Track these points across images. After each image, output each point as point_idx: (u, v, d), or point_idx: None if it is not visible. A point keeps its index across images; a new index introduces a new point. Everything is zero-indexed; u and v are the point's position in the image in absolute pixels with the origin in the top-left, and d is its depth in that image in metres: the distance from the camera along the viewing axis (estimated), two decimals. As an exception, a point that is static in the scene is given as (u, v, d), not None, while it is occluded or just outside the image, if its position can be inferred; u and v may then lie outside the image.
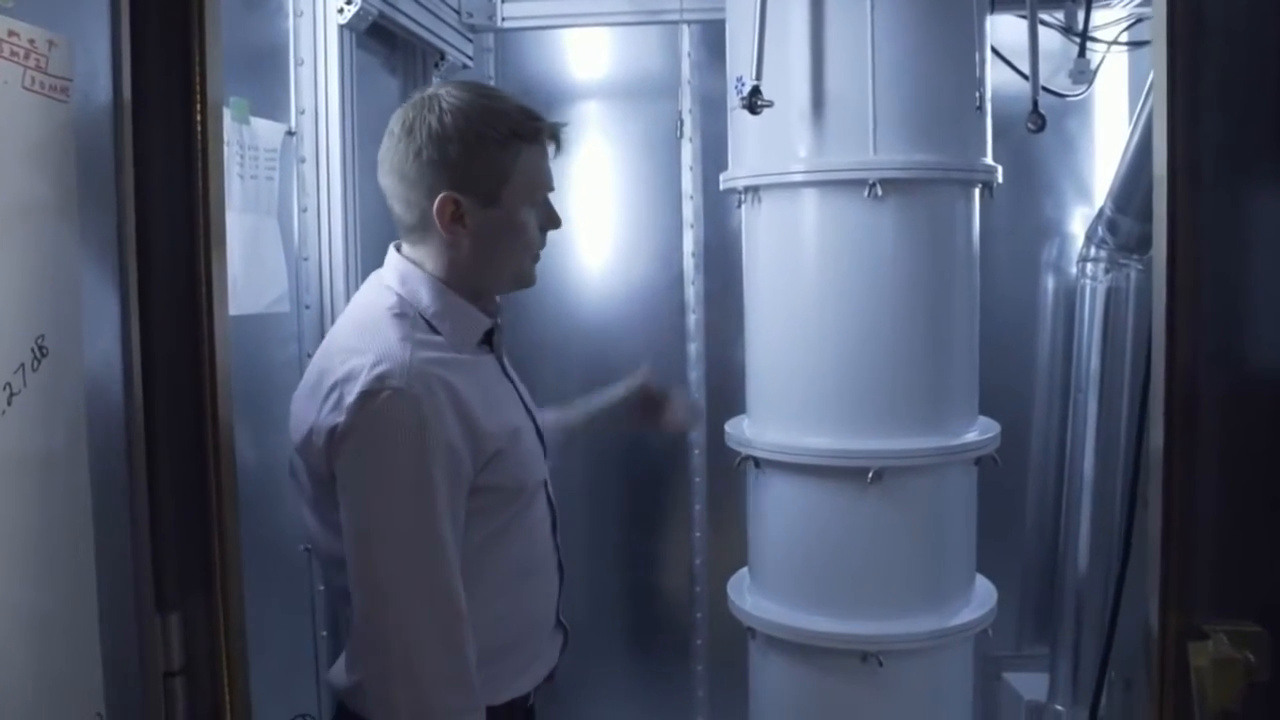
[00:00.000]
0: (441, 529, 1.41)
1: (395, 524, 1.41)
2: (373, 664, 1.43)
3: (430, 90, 1.54)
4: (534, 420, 1.64)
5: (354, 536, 1.42)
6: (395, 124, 1.53)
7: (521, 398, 1.65)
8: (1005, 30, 2.54)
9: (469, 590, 1.47)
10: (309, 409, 1.46)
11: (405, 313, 1.50)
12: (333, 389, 1.42)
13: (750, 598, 2.37)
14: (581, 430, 1.96)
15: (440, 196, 1.48)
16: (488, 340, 1.60)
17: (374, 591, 1.41)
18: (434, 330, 1.51)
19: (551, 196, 1.58)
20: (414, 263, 1.55)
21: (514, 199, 1.51)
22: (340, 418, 1.40)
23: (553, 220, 1.59)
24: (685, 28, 2.96)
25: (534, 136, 1.52)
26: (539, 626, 1.64)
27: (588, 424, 1.97)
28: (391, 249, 1.59)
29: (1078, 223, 2.98)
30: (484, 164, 1.49)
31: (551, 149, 1.56)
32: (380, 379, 1.40)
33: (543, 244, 1.60)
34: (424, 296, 1.52)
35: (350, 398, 1.39)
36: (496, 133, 1.48)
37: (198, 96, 1.15)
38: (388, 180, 1.54)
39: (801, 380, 2.24)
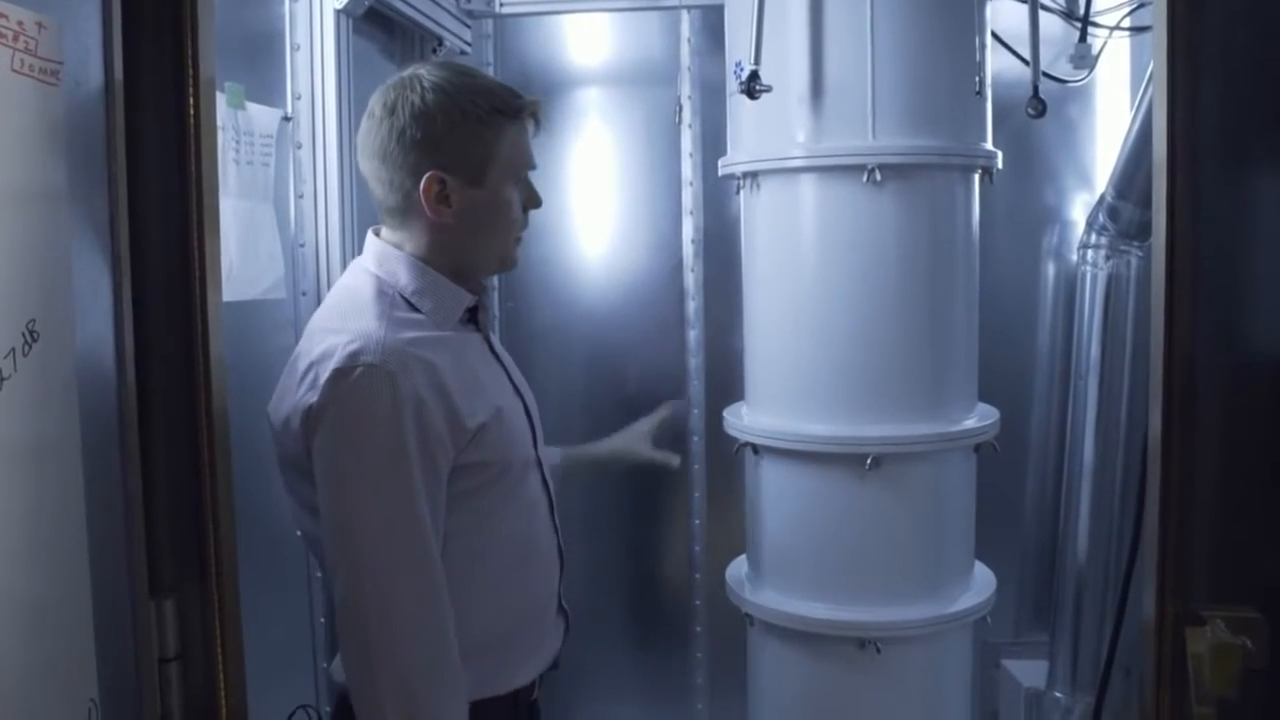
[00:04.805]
0: (418, 506, 1.39)
1: (370, 502, 1.38)
2: (351, 648, 1.40)
3: (409, 71, 1.52)
4: (524, 400, 1.63)
5: (330, 517, 1.40)
6: (375, 105, 1.51)
7: (510, 378, 1.63)
8: (1006, 15, 2.52)
9: (470, 574, 1.46)
10: (286, 392, 1.45)
11: (384, 292, 1.49)
12: (308, 370, 1.41)
13: (749, 585, 2.37)
14: (606, 461, 2.05)
15: (426, 176, 1.47)
16: (473, 319, 1.59)
17: (351, 572, 1.39)
18: (414, 309, 1.49)
19: (533, 176, 1.58)
20: (394, 245, 1.54)
21: (498, 177, 1.50)
22: (314, 397, 1.39)
23: (534, 200, 1.58)
24: (685, 13, 2.93)
25: (516, 113, 1.51)
26: (541, 613, 1.62)
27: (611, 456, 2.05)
28: (370, 233, 1.58)
29: (1078, 209, 2.96)
30: (468, 141, 1.48)
31: (531, 127, 1.55)
32: (354, 356, 1.38)
33: (525, 224, 1.59)
34: (402, 275, 1.51)
35: (324, 376, 1.38)
36: (479, 109, 1.47)
37: (190, 80, 1.14)
38: (369, 163, 1.52)
39: (800, 366, 2.24)
